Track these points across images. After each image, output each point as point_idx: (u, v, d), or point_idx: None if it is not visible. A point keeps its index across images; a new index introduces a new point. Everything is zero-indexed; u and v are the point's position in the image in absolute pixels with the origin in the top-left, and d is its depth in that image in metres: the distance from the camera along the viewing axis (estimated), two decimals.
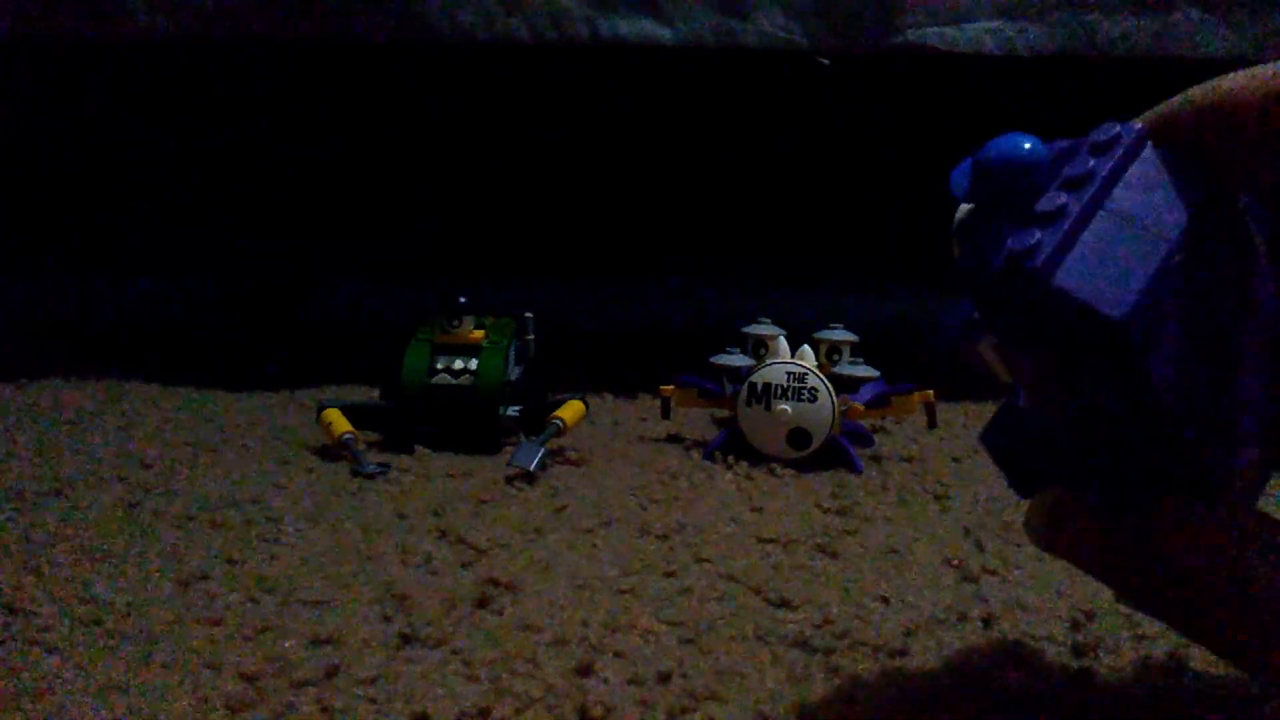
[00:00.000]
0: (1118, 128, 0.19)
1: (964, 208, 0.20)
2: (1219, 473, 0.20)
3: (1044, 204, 0.18)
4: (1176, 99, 0.20)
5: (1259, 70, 0.19)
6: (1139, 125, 0.20)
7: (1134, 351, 0.18)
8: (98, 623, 0.29)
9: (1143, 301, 0.18)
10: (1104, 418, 0.19)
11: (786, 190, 0.69)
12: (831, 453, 0.48)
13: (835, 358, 0.50)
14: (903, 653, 0.28)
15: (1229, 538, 0.19)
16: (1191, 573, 0.19)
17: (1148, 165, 0.19)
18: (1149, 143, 0.20)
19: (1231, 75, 0.20)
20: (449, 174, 0.69)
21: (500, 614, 0.30)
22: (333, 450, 0.48)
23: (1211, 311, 0.19)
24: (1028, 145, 0.19)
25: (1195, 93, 0.20)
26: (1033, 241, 0.18)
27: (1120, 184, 0.19)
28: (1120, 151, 0.19)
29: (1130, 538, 0.20)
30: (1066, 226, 0.18)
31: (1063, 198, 0.18)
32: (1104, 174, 0.19)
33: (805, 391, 0.47)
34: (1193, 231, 0.19)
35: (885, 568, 0.35)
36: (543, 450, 0.45)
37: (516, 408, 0.51)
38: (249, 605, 0.31)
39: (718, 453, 0.49)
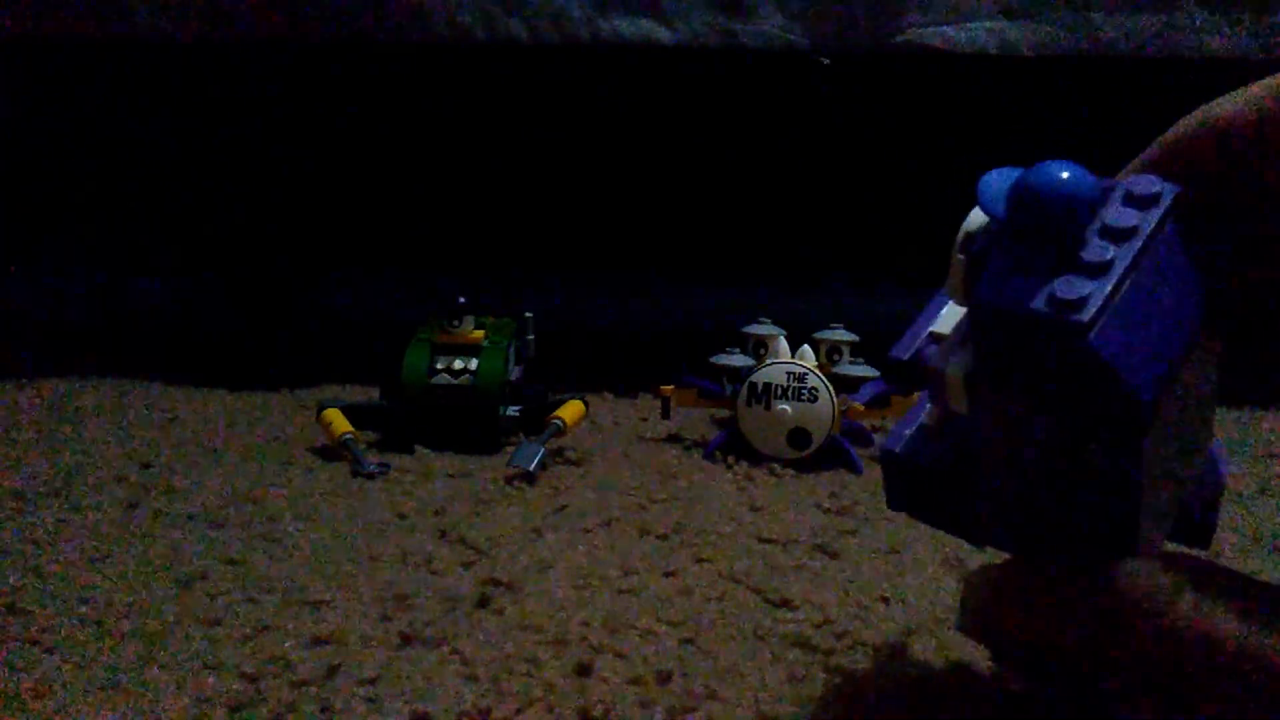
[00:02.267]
0: (1159, 185, 0.18)
1: (978, 219, 0.19)
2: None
3: (1091, 253, 0.18)
4: (1176, 127, 0.20)
5: (1252, 89, 0.19)
6: (1175, 185, 0.19)
7: (1146, 424, 0.18)
8: (98, 623, 0.29)
9: (1166, 380, 0.18)
10: (1080, 471, 0.19)
11: (786, 190, 0.69)
12: (831, 453, 0.48)
13: (835, 358, 0.50)
14: (903, 653, 0.28)
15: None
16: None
17: (1177, 229, 0.19)
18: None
19: (1227, 96, 0.20)
20: (449, 173, 0.69)
21: (500, 614, 0.30)
22: (333, 450, 0.48)
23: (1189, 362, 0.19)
24: (1075, 176, 0.18)
25: (1193, 118, 0.20)
26: (1083, 293, 0.17)
27: (1158, 245, 0.18)
28: (1160, 212, 0.18)
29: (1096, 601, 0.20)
30: (1112, 284, 0.17)
31: (1110, 251, 0.18)
32: (1147, 232, 0.18)
33: (805, 391, 0.47)
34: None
35: (885, 568, 0.35)
36: (543, 450, 0.45)
37: (516, 408, 0.51)
38: (249, 605, 0.31)
39: (718, 453, 0.49)
